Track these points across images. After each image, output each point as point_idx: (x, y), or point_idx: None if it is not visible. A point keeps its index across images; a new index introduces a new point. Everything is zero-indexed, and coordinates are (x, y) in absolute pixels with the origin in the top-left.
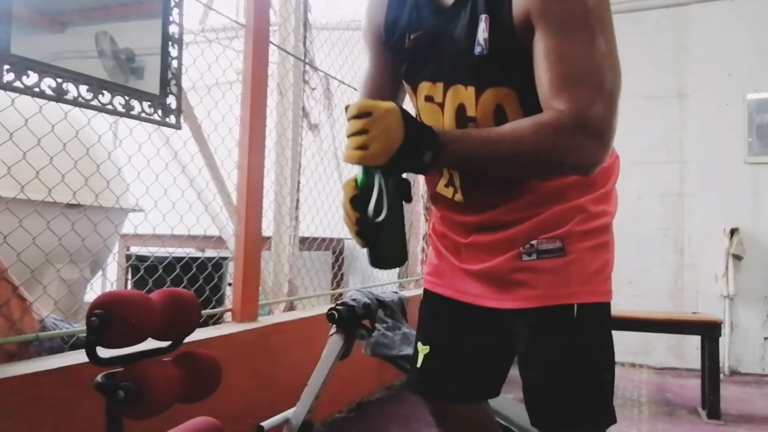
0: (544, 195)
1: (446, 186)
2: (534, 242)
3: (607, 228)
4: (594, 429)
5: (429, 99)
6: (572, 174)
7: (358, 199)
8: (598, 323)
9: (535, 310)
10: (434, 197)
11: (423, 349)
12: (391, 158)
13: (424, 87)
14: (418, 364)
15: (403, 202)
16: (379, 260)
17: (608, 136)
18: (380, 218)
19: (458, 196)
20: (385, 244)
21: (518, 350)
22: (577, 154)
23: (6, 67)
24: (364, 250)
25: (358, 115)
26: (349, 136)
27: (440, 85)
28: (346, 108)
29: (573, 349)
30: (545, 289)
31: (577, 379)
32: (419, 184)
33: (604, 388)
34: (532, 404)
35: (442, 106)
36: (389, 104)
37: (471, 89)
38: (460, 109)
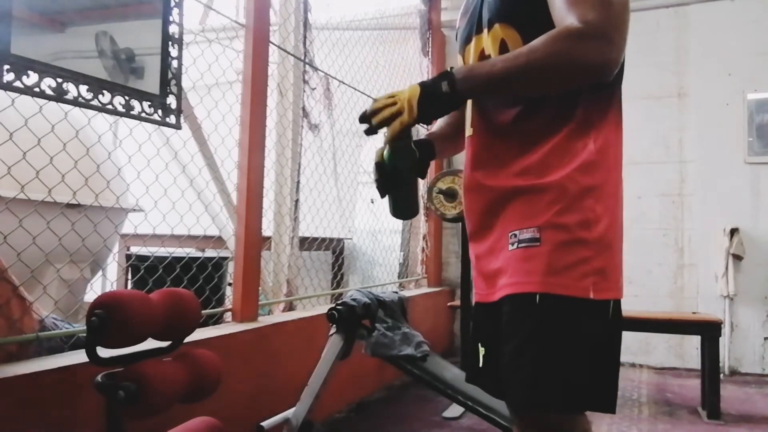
0: (523, 168)
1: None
2: (517, 232)
3: (588, 224)
4: (559, 411)
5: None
6: (587, 78)
7: (380, 164)
8: (565, 315)
9: (508, 298)
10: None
11: (481, 350)
12: (419, 104)
13: (468, 50)
14: (480, 364)
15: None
16: (395, 211)
17: (615, 36)
18: (396, 189)
19: (469, 131)
20: (400, 201)
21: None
22: (585, 53)
23: (6, 67)
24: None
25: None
26: (381, 110)
27: (473, 39)
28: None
29: (534, 336)
30: (516, 276)
31: (535, 363)
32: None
33: (567, 374)
34: (504, 389)
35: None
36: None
37: (485, 30)
38: (482, 53)
